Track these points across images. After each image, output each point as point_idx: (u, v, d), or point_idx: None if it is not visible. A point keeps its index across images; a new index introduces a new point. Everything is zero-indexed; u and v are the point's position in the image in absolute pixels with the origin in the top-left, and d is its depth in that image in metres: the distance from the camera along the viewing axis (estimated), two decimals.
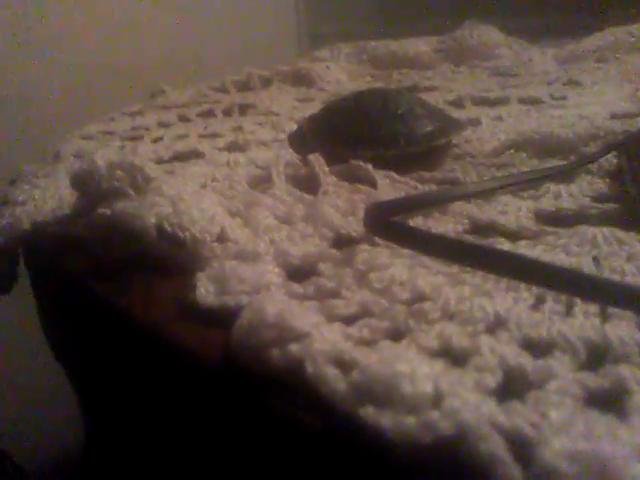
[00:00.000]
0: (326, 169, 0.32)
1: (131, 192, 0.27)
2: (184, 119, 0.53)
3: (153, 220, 0.25)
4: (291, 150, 0.37)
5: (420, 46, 0.68)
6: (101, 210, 0.27)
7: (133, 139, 0.47)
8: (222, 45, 1.08)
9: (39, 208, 0.31)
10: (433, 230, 0.27)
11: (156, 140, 0.46)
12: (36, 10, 0.85)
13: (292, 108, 0.53)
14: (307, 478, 0.18)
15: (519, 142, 0.35)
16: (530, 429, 0.14)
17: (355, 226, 0.27)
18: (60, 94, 0.86)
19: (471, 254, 0.22)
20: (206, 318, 0.21)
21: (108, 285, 0.24)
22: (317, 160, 0.32)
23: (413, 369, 0.16)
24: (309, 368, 0.17)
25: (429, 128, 0.34)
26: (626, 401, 0.16)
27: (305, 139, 0.36)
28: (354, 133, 0.34)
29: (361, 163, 0.33)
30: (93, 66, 0.89)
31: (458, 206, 0.29)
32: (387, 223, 0.25)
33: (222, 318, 0.21)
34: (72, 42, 0.89)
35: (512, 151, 0.35)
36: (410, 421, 0.15)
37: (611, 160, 0.33)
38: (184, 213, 0.25)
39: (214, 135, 0.46)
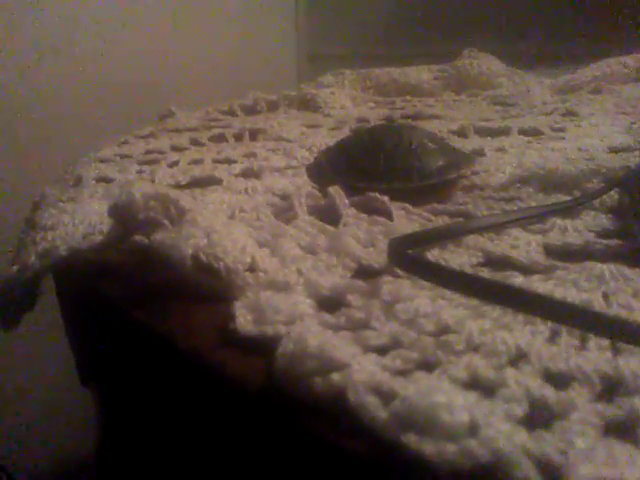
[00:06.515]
0: (346, 201, 0.34)
1: (166, 222, 0.28)
2: (197, 143, 0.54)
3: (189, 251, 0.26)
4: (308, 179, 0.38)
5: (422, 74, 0.70)
6: (138, 238, 0.29)
7: (149, 163, 0.48)
8: (223, 66, 1.10)
9: (71, 233, 0.32)
10: (450, 262, 0.28)
11: (172, 165, 0.47)
12: (62, 29, 0.89)
13: (301, 134, 0.55)
14: None
15: (525, 176, 0.37)
16: (558, 456, 0.16)
17: (376, 257, 0.29)
18: (75, 111, 0.89)
19: (488, 290, 0.23)
20: (246, 345, 0.23)
21: (146, 312, 0.26)
22: (337, 192, 0.34)
23: (450, 400, 0.17)
24: (351, 397, 0.18)
25: (441, 162, 0.36)
26: None
27: (322, 170, 0.37)
28: (370, 166, 0.36)
29: (377, 195, 0.34)
30: (107, 85, 0.92)
31: (472, 239, 0.30)
32: (409, 257, 0.26)
33: (261, 345, 0.22)
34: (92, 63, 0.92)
35: (518, 185, 0.37)
36: (451, 448, 0.16)
37: (613, 196, 0.35)
38: (218, 244, 0.27)
39: (228, 160, 0.48)
